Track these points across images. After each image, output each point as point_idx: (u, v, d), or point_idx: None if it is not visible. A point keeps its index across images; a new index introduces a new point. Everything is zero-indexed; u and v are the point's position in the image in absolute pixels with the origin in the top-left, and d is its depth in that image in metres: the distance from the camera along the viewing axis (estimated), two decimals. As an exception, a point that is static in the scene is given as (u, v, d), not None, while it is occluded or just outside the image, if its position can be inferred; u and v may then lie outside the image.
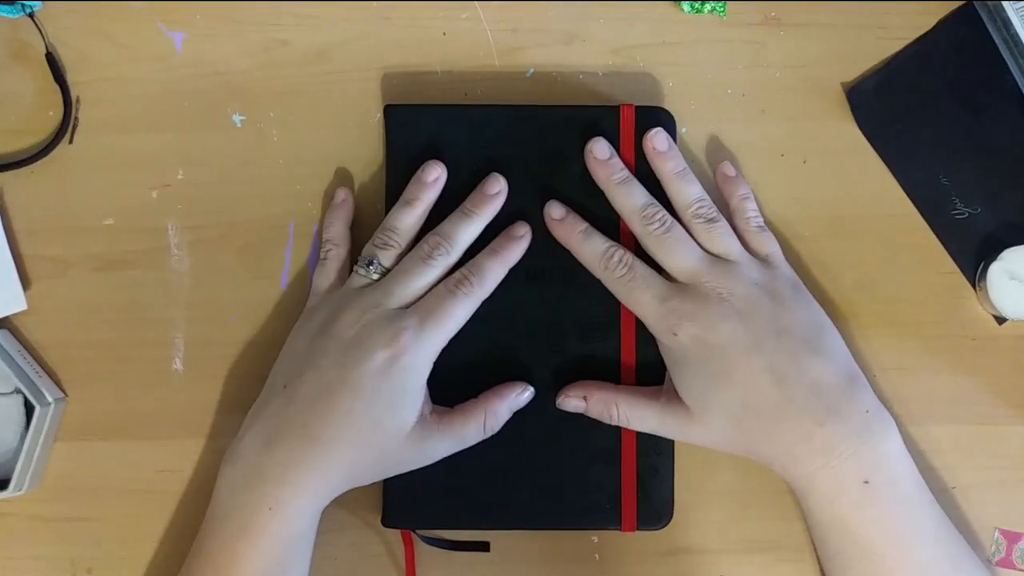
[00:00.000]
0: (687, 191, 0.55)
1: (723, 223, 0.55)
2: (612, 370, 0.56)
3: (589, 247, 0.54)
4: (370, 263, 0.54)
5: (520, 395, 0.55)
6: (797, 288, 0.55)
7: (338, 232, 0.57)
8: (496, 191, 0.55)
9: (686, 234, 0.54)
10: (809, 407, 0.51)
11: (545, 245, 0.56)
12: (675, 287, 0.53)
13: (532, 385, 0.56)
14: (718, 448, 0.54)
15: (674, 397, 0.54)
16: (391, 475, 0.54)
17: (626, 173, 0.55)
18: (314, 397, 0.51)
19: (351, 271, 0.55)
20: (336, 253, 0.56)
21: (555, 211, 0.55)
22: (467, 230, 0.55)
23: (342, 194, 0.57)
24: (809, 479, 0.52)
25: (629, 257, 0.54)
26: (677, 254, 0.53)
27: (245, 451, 0.52)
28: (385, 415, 0.51)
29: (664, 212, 0.54)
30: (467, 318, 0.54)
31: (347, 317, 0.52)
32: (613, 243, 0.54)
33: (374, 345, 0.51)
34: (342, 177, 0.58)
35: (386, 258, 0.54)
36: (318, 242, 0.58)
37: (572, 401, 0.55)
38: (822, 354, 0.52)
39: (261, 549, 0.50)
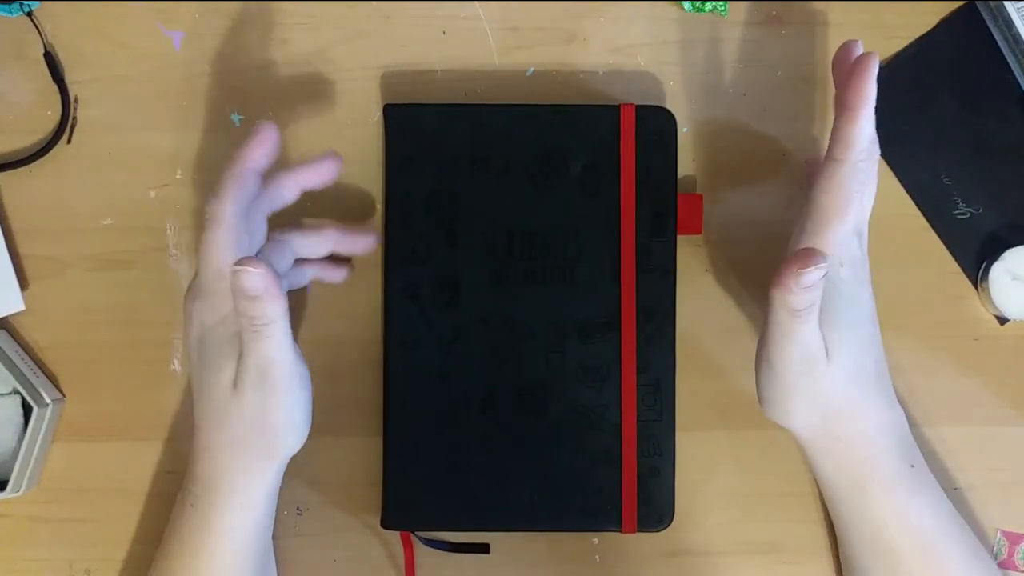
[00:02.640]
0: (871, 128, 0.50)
1: None
2: (612, 370, 0.56)
3: (869, 126, 0.49)
4: None
5: (242, 275, 0.46)
6: None
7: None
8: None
9: None
10: (886, 392, 0.52)
11: (545, 245, 0.56)
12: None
13: (531, 385, 0.56)
14: (799, 391, 0.51)
15: None
16: (279, 415, 0.50)
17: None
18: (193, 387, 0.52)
19: None
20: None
21: (873, 64, 0.48)
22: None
23: None
24: (870, 462, 0.51)
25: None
26: (872, 198, 0.52)
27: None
28: (212, 379, 0.50)
29: None
30: (231, 243, 0.49)
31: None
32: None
33: (188, 319, 0.51)
34: (341, 177, 0.58)
35: None
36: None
37: (815, 275, 0.46)
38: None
39: (189, 551, 0.51)
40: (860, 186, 0.49)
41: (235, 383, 0.49)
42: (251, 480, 0.51)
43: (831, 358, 0.49)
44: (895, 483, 0.51)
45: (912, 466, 0.52)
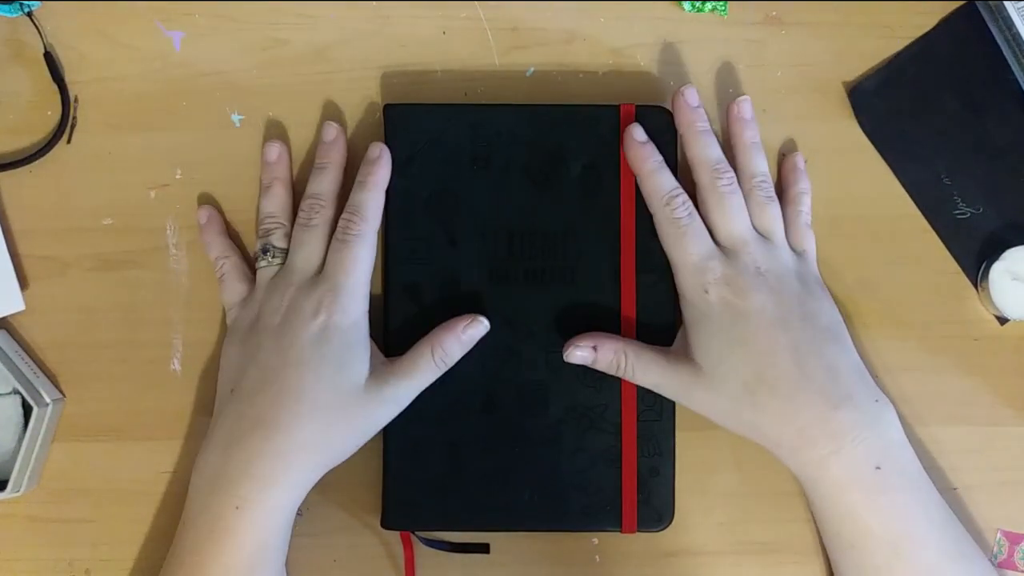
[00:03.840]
0: (756, 163, 0.56)
1: (778, 205, 0.56)
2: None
3: (658, 180, 0.54)
4: (266, 251, 0.55)
5: (469, 327, 0.54)
6: (822, 285, 0.56)
7: (221, 245, 0.57)
8: (331, 137, 0.56)
9: (744, 202, 0.55)
10: (825, 390, 0.52)
11: (545, 245, 0.56)
12: (718, 249, 0.54)
13: (531, 385, 0.56)
14: (719, 418, 0.53)
15: (683, 356, 0.54)
16: (364, 439, 0.53)
17: (708, 125, 0.55)
18: (262, 387, 0.52)
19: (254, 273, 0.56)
20: (230, 264, 0.57)
21: (638, 133, 0.55)
22: (326, 181, 0.56)
23: (204, 213, 0.57)
24: (821, 464, 0.51)
25: (691, 205, 0.54)
26: (734, 217, 0.54)
27: (209, 458, 0.52)
28: (337, 375, 0.52)
29: (734, 173, 0.55)
30: (372, 256, 0.54)
31: (268, 307, 0.54)
32: (680, 186, 0.55)
33: (302, 319, 0.52)
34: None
35: (277, 239, 0.55)
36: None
37: (580, 352, 0.54)
38: (840, 343, 0.54)
39: (229, 551, 0.50)
40: (675, 229, 0.54)
41: (367, 386, 0.52)
42: (307, 487, 0.52)
43: (711, 378, 0.52)
44: (850, 485, 0.51)
45: (878, 468, 0.51)
